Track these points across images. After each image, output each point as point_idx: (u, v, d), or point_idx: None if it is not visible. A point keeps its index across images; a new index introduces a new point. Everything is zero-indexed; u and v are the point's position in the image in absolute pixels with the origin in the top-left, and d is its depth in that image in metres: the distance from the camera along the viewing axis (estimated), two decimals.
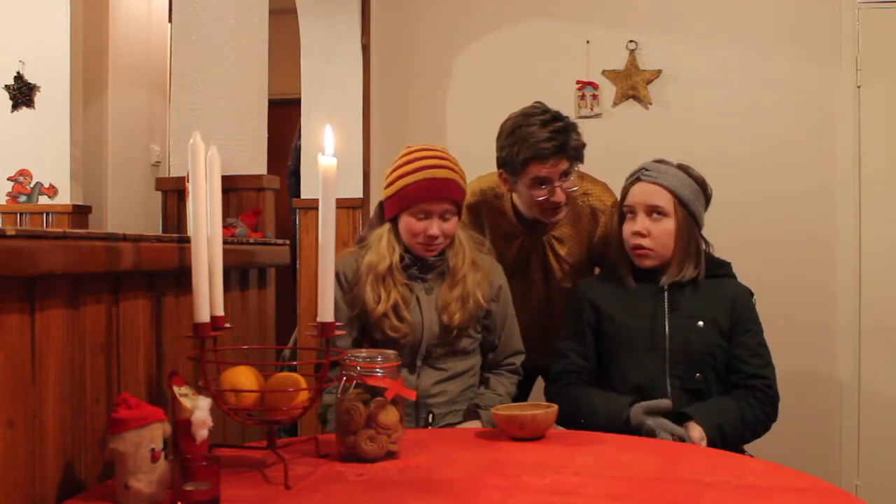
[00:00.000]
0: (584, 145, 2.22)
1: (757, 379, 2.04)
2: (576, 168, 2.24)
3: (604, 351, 2.14)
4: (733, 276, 2.17)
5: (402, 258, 2.03)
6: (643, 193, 2.08)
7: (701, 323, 2.04)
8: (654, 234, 2.06)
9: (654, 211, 2.07)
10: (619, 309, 2.11)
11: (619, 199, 2.18)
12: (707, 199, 2.15)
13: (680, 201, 2.06)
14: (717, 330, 2.05)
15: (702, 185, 2.13)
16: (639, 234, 2.07)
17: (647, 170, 2.10)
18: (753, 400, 2.02)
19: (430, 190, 1.98)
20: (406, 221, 2.00)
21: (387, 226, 2.05)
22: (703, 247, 2.13)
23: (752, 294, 2.14)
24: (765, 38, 3.53)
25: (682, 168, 2.12)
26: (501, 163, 2.26)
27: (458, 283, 2.03)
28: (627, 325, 2.09)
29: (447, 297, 2.02)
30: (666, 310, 2.07)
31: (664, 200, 2.06)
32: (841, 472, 3.39)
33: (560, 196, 2.22)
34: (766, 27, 3.54)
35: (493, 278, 2.11)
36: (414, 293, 2.03)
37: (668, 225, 2.06)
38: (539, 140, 2.15)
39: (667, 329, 2.05)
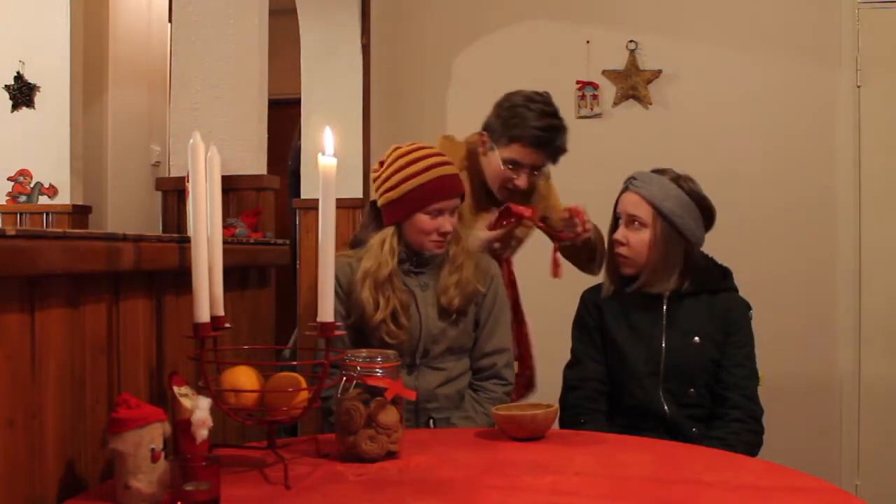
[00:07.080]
0: (565, 151, 2.33)
1: (736, 390, 2.02)
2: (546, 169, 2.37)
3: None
4: (734, 289, 2.14)
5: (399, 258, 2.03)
6: (626, 203, 2.09)
7: (697, 339, 2.05)
8: (630, 244, 2.07)
9: (633, 221, 2.07)
10: (618, 319, 2.11)
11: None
12: (706, 213, 2.08)
13: (660, 213, 2.04)
14: (713, 345, 2.05)
15: (697, 199, 2.07)
16: (618, 241, 2.10)
17: (634, 179, 2.11)
18: (736, 424, 1.99)
19: (447, 187, 1.99)
20: (419, 221, 1.99)
21: (390, 229, 2.02)
22: (698, 260, 2.08)
23: (749, 308, 2.12)
24: (765, 37, 3.54)
25: (677, 179, 2.08)
26: (489, 127, 2.35)
27: (456, 269, 2.04)
28: (624, 337, 2.09)
29: (446, 282, 2.03)
30: (664, 324, 2.07)
31: (643, 211, 2.05)
32: (841, 472, 3.39)
33: (522, 183, 2.30)
34: (766, 27, 3.54)
35: (488, 268, 2.12)
36: (412, 293, 2.03)
37: (645, 235, 2.05)
38: (530, 126, 2.26)
39: (663, 343, 2.06)
